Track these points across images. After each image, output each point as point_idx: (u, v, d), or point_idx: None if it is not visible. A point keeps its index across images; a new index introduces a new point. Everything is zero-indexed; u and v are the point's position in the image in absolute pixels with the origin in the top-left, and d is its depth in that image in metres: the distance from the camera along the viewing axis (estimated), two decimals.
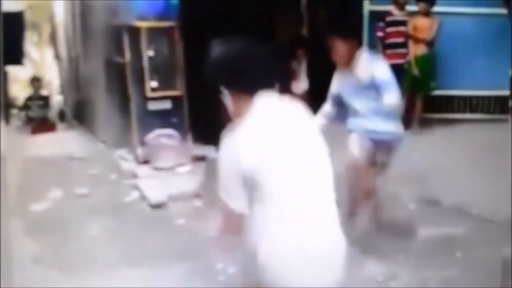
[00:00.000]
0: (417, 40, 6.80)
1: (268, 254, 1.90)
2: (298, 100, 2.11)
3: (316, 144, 2.03)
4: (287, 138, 1.96)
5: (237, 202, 1.94)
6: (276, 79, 2.08)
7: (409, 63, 6.83)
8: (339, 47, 3.72)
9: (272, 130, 1.95)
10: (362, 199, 3.81)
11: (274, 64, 2.10)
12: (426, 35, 6.81)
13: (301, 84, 7.15)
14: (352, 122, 3.85)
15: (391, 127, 3.78)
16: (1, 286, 2.45)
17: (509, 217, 3.61)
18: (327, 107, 4.00)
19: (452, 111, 7.31)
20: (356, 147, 3.73)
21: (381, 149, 3.79)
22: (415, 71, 6.77)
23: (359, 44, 3.89)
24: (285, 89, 2.22)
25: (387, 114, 3.70)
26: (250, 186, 1.92)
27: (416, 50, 6.82)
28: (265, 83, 2.01)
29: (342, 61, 3.78)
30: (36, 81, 10.73)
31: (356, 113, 3.83)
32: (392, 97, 3.65)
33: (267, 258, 1.90)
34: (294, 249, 1.90)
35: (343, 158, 3.56)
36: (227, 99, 2.02)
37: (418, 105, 6.92)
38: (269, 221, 1.91)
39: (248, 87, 2.00)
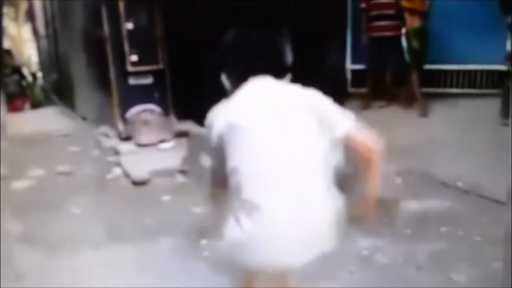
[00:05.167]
0: (411, 12, 6.48)
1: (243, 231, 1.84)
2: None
3: (301, 118, 1.93)
4: (269, 106, 1.91)
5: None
6: (283, 69, 2.03)
7: (407, 35, 6.56)
8: None
9: (252, 99, 1.93)
10: None
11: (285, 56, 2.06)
12: (420, 6, 6.54)
13: None
14: None
15: None
16: None
17: (498, 192, 3.60)
18: None
19: (445, 85, 7.18)
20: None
21: None
22: (415, 43, 6.49)
23: None
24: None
25: None
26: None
27: (411, 22, 6.50)
28: (271, 73, 1.99)
29: None
30: (5, 54, 10.24)
31: None
32: None
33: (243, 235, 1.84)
34: (274, 224, 1.84)
35: None
36: (226, 82, 2.04)
37: (415, 79, 6.57)
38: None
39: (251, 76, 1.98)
